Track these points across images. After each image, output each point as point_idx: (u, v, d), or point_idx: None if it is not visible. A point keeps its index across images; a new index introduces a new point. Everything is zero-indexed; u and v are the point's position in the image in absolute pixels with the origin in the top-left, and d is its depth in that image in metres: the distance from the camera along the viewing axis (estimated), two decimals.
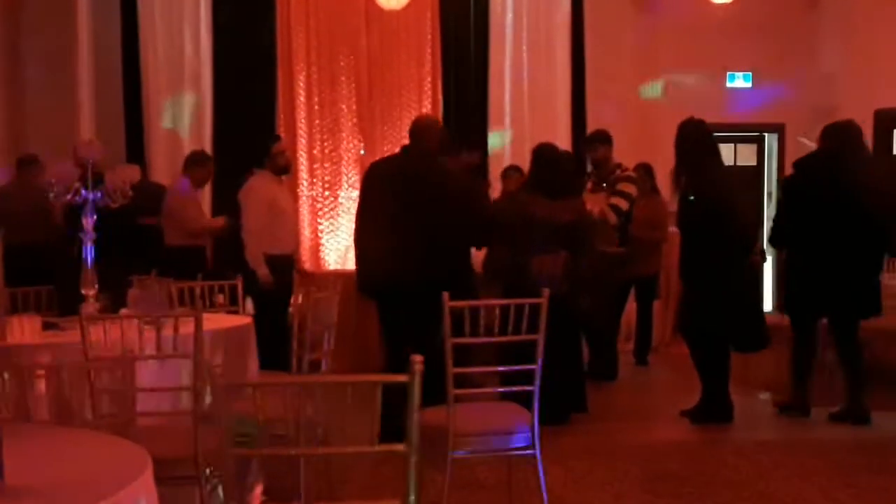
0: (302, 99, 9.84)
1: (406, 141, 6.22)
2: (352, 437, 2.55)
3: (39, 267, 6.47)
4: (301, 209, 9.62)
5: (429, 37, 9.98)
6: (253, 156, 7.65)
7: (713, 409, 6.42)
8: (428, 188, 5.81)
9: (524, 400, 4.10)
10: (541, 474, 4.02)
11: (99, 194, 4.61)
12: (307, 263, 9.54)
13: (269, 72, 9.73)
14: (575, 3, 10.14)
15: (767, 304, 6.88)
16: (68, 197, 4.59)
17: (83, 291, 4.56)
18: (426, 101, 9.96)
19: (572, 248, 6.13)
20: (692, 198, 6.38)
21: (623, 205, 7.32)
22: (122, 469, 2.12)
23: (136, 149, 9.39)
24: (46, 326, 4.39)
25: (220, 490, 3.50)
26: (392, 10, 8.95)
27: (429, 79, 9.99)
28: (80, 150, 5.11)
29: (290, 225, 7.71)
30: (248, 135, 9.09)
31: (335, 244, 9.85)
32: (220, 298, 5.74)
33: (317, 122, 9.87)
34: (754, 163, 11.15)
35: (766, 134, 11.16)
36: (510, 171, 8.31)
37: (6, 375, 2.73)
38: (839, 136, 6.49)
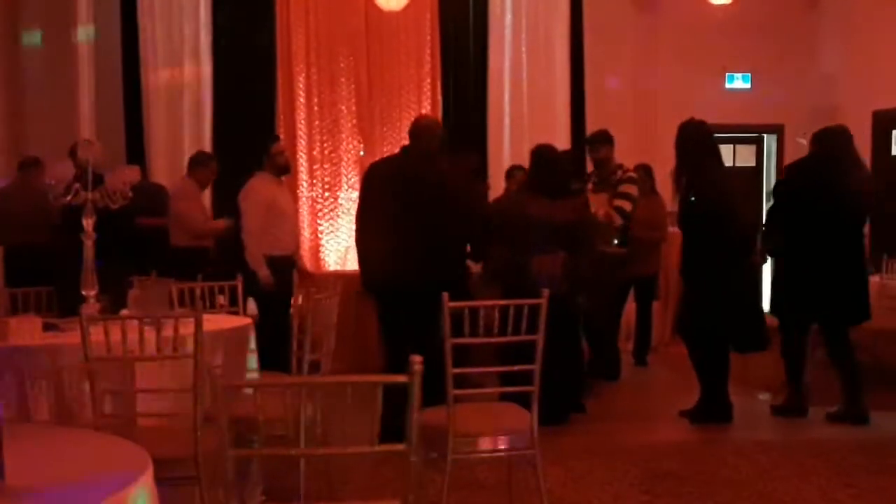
0: (301, 100, 9.84)
1: (405, 141, 6.23)
2: (352, 437, 2.55)
3: (40, 268, 6.46)
4: (301, 210, 9.62)
5: (428, 38, 9.99)
6: (252, 157, 7.66)
7: (712, 409, 6.43)
8: (427, 189, 5.82)
9: (524, 400, 4.10)
10: (540, 474, 4.03)
11: (98, 195, 4.62)
12: (307, 264, 9.54)
13: (269, 72, 9.74)
14: (574, 3, 10.16)
15: (767, 305, 6.87)
16: (68, 198, 4.59)
17: (83, 292, 4.56)
18: (426, 101, 9.97)
19: (571, 249, 6.14)
20: (693, 198, 6.39)
21: (627, 206, 7.33)
22: (123, 469, 2.13)
23: (135, 150, 9.40)
24: (47, 327, 4.39)
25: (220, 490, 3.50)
26: (391, 11, 8.96)
27: (428, 79, 10.00)
28: (78, 150, 5.11)
29: (290, 226, 7.71)
30: (248, 136, 9.11)
31: (335, 245, 9.86)
32: (221, 299, 5.74)
33: (316, 122, 9.88)
34: (753, 163, 11.16)
35: (764, 135, 11.17)
36: (514, 171, 8.32)
37: (7, 376, 2.74)
38: (830, 141, 6.51)
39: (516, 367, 4.10)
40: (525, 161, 7.35)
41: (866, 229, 8.75)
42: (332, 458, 4.47)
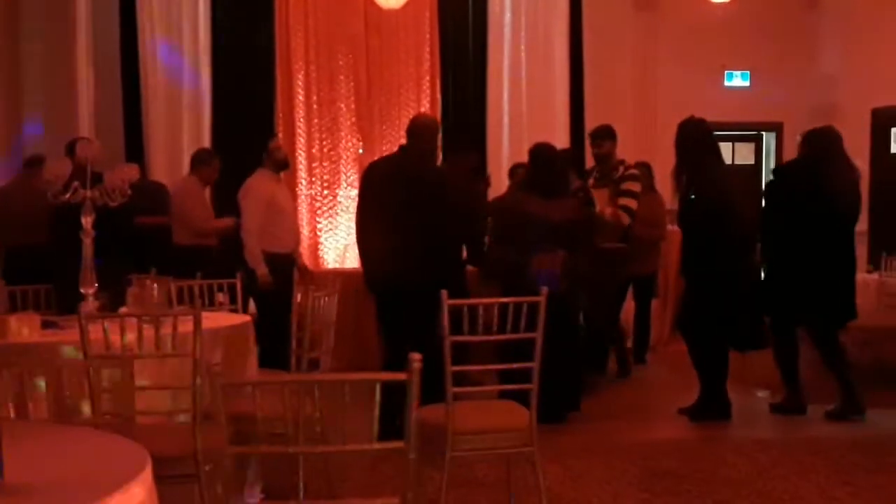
0: (301, 98, 9.85)
1: (405, 140, 6.23)
2: (351, 435, 2.55)
3: (41, 267, 6.46)
4: (300, 208, 9.62)
5: (427, 36, 9.99)
6: (252, 155, 7.66)
7: (711, 407, 6.43)
8: (425, 188, 5.82)
9: (522, 398, 4.11)
10: (539, 472, 4.03)
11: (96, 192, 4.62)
12: (306, 262, 9.54)
13: (268, 71, 9.74)
14: (573, 1, 10.16)
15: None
16: (67, 196, 4.59)
17: (82, 290, 4.56)
18: (425, 100, 9.97)
19: (570, 247, 6.14)
20: (693, 197, 6.39)
21: (633, 205, 7.34)
22: (122, 467, 2.13)
23: (134, 149, 9.39)
24: (45, 325, 4.39)
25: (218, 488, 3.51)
26: (391, 10, 8.96)
27: (427, 78, 10.00)
28: (77, 148, 5.11)
29: (290, 223, 7.71)
30: (247, 134, 9.12)
31: (334, 243, 9.86)
32: (220, 297, 5.74)
33: (315, 120, 9.88)
34: (752, 161, 11.17)
35: (764, 133, 11.18)
36: (517, 169, 8.31)
37: (6, 374, 2.74)
38: (820, 142, 6.52)
39: (515, 365, 4.11)
40: (525, 159, 7.35)
41: (865, 228, 8.79)
42: (331, 456, 4.47)
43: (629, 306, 8.58)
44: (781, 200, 6.51)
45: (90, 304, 4.50)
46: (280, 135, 9.56)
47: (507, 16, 10.17)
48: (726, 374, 6.48)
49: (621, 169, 7.49)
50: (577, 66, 10.17)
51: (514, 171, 8.38)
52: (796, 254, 6.40)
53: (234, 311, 5.68)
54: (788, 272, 6.45)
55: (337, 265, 9.60)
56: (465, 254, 6.31)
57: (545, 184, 6.31)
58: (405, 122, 6.38)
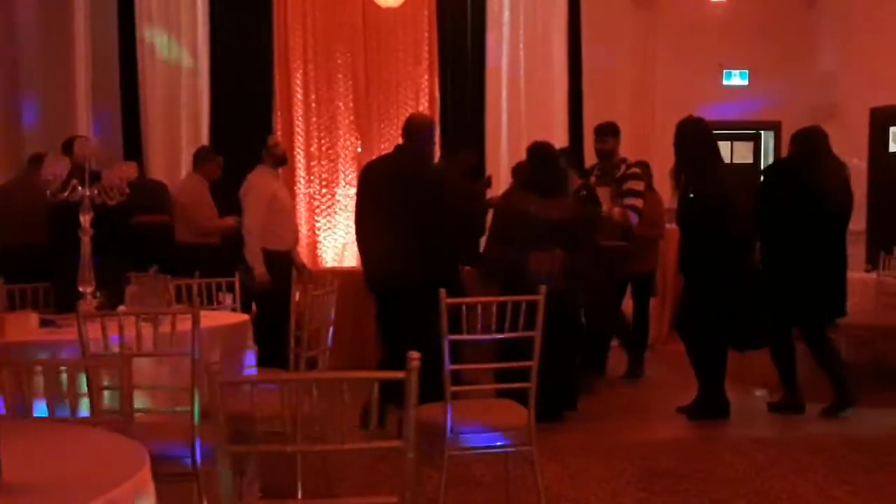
0: (299, 96, 9.84)
1: (401, 139, 6.22)
2: (349, 434, 2.55)
3: (39, 266, 6.44)
4: (298, 206, 9.62)
5: (426, 34, 9.98)
6: (250, 153, 7.65)
7: (710, 406, 6.44)
8: (423, 187, 5.82)
9: (521, 397, 4.11)
10: (537, 471, 4.03)
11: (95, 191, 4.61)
12: (304, 261, 9.54)
13: (266, 69, 9.73)
14: (572, 0, 10.15)
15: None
16: (65, 194, 4.59)
17: (80, 289, 4.56)
18: (423, 98, 9.96)
19: (568, 246, 6.14)
20: (692, 195, 6.39)
21: (640, 204, 7.37)
22: (120, 465, 2.13)
23: (133, 148, 9.38)
24: (44, 323, 4.39)
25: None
26: (389, 8, 8.96)
27: (426, 76, 10.00)
28: (75, 147, 5.11)
29: (290, 220, 7.72)
30: (246, 133, 9.11)
31: (332, 241, 9.86)
32: (227, 299, 5.76)
33: (314, 119, 9.87)
34: (751, 161, 11.17)
35: (762, 132, 11.17)
36: (521, 167, 8.30)
37: (4, 372, 2.74)
38: (810, 141, 6.55)
39: (514, 364, 4.11)
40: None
41: (863, 227, 8.79)
42: (329, 455, 4.47)
43: (627, 305, 8.58)
44: (774, 198, 6.53)
45: (88, 303, 4.49)
46: (278, 133, 9.56)
47: (506, 14, 10.16)
48: (725, 373, 6.49)
49: (623, 167, 7.50)
50: (576, 64, 10.16)
51: (516, 170, 8.36)
52: (789, 251, 6.43)
53: (234, 310, 5.68)
54: (782, 269, 6.47)
55: (335, 264, 9.60)
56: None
57: (544, 183, 6.31)
58: (403, 120, 6.37)
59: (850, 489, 4.92)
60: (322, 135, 9.89)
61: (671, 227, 7.47)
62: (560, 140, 9.19)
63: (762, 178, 6.93)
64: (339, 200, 9.84)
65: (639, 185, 7.42)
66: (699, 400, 6.50)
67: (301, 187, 9.83)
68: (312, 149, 9.87)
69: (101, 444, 2.41)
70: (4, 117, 8.87)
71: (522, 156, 7.35)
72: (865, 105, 9.85)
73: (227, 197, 7.66)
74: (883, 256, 8.20)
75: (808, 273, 6.37)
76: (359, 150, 9.82)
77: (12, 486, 1.96)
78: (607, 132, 7.66)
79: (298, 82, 9.82)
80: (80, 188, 4.59)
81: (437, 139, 8.89)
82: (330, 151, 9.91)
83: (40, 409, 2.74)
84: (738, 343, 6.55)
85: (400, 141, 6.21)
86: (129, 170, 4.85)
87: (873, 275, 7.96)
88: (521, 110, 10.17)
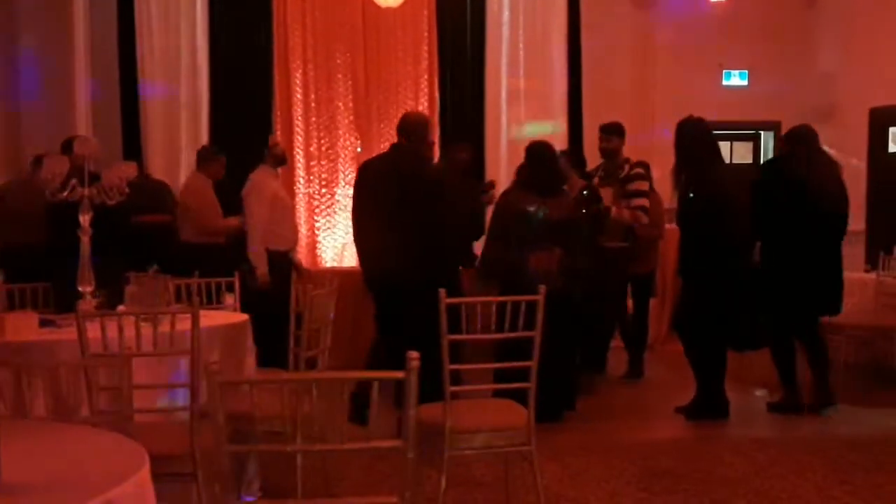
0: (299, 96, 9.84)
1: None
2: (348, 433, 2.55)
3: (39, 266, 6.44)
4: (298, 206, 9.62)
5: (425, 34, 9.99)
6: (250, 153, 7.65)
7: (709, 406, 6.43)
8: (419, 185, 5.82)
9: (520, 397, 4.10)
10: (537, 471, 4.03)
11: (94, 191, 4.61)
12: (304, 261, 9.54)
13: (266, 69, 9.73)
14: (572, 0, 10.15)
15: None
16: (64, 194, 4.59)
17: (80, 288, 4.56)
18: (423, 98, 9.97)
19: (566, 245, 6.14)
20: (692, 195, 6.39)
21: (647, 203, 7.38)
22: (120, 465, 2.13)
23: (132, 148, 9.37)
24: (43, 323, 4.39)
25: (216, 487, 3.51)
26: (389, 8, 8.95)
27: (425, 76, 10.00)
28: (75, 146, 5.10)
29: (291, 220, 7.72)
30: (246, 132, 9.12)
31: (332, 241, 9.86)
32: (227, 298, 5.76)
33: (313, 119, 9.87)
34: (750, 161, 11.17)
35: (761, 132, 11.17)
36: (524, 169, 8.29)
37: (3, 372, 2.74)
38: (804, 140, 6.58)
39: (514, 364, 4.11)
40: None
41: (863, 227, 8.79)
42: (328, 455, 4.47)
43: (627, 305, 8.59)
44: (769, 194, 6.54)
45: (88, 303, 4.49)
46: (278, 133, 9.56)
47: (506, 14, 10.16)
48: (724, 373, 6.49)
49: (626, 167, 7.50)
50: (576, 64, 10.16)
51: (520, 172, 8.34)
52: (784, 247, 6.44)
53: (236, 310, 5.69)
54: (778, 267, 6.47)
55: (335, 264, 9.60)
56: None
57: (542, 182, 6.31)
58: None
59: (849, 489, 4.92)
60: (322, 134, 9.89)
61: (671, 227, 7.48)
62: (559, 140, 9.19)
63: (760, 172, 6.94)
64: (338, 200, 9.83)
65: (644, 186, 7.43)
66: (698, 399, 6.50)
67: (300, 187, 9.83)
68: (312, 148, 9.87)
69: (100, 443, 2.41)
70: (4, 117, 8.86)
71: (522, 156, 7.35)
72: (865, 105, 9.86)
73: (227, 196, 7.66)
74: (882, 256, 8.20)
75: (803, 270, 6.38)
76: (358, 149, 9.82)
77: (12, 485, 1.96)
78: (612, 131, 7.67)
79: (298, 82, 9.82)
80: (79, 188, 4.58)
81: (435, 138, 8.94)
82: (329, 151, 9.91)
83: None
84: (737, 343, 6.55)
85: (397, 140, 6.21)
86: (129, 169, 4.85)
87: (873, 275, 7.96)
88: (521, 110, 10.17)
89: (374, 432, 5.19)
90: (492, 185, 8.03)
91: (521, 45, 10.20)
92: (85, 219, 4.59)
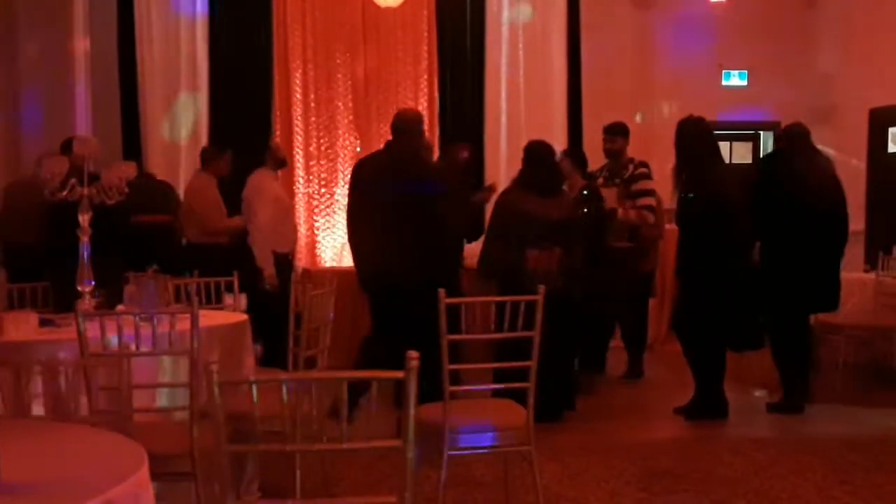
0: (298, 96, 9.83)
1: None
2: (348, 433, 2.55)
3: (38, 265, 6.44)
4: (297, 206, 9.62)
5: (425, 34, 9.98)
6: (250, 154, 7.64)
7: (708, 406, 6.43)
8: (415, 184, 5.82)
9: (519, 397, 4.10)
10: (536, 471, 4.03)
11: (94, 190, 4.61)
12: (303, 261, 9.54)
13: (266, 69, 9.72)
14: (572, 0, 10.15)
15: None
16: (64, 193, 4.58)
17: (79, 288, 4.56)
18: (422, 98, 9.96)
19: (566, 245, 6.14)
20: (692, 195, 6.39)
21: (654, 202, 7.38)
22: (119, 465, 2.12)
23: (132, 148, 9.36)
24: (43, 323, 4.38)
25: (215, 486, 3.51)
26: (389, 8, 8.96)
27: (425, 76, 10.00)
28: (74, 146, 5.11)
29: (293, 221, 7.73)
30: (246, 132, 9.11)
31: (331, 241, 9.85)
32: (227, 298, 5.76)
33: (313, 119, 9.87)
34: (750, 161, 11.16)
35: (761, 132, 11.17)
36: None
37: (3, 372, 2.74)
38: (799, 138, 6.63)
39: (513, 364, 4.10)
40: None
41: (862, 227, 8.78)
42: (327, 455, 4.47)
43: None
44: (766, 191, 6.55)
45: (87, 303, 4.49)
46: (278, 133, 9.56)
47: (505, 14, 10.16)
48: (723, 373, 6.48)
49: (631, 167, 7.50)
50: (575, 64, 10.16)
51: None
52: (781, 245, 6.44)
53: (235, 310, 5.69)
54: (777, 263, 6.47)
55: (334, 264, 9.60)
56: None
57: (541, 182, 6.30)
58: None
59: (849, 489, 4.92)
60: (321, 134, 9.89)
61: (671, 227, 7.48)
62: (559, 140, 9.19)
63: (758, 167, 6.97)
64: (338, 200, 9.83)
65: (649, 185, 7.44)
66: (697, 399, 6.49)
67: (300, 187, 9.82)
68: (311, 148, 9.87)
69: (99, 443, 2.41)
70: (4, 117, 8.86)
71: (521, 156, 7.36)
72: (864, 106, 9.86)
73: (227, 197, 7.65)
74: (882, 257, 8.19)
75: (800, 265, 6.38)
76: (358, 149, 9.81)
77: (11, 485, 1.96)
78: (617, 132, 7.67)
79: (298, 82, 9.82)
80: (78, 188, 4.58)
81: (434, 138, 8.94)
82: (329, 151, 9.91)
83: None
84: (736, 344, 6.54)
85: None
86: (129, 169, 4.85)
87: (872, 275, 7.96)
88: (521, 110, 10.17)
89: (374, 432, 5.19)
90: (492, 189, 8.04)
91: (520, 45, 10.20)
92: (84, 219, 4.59)
